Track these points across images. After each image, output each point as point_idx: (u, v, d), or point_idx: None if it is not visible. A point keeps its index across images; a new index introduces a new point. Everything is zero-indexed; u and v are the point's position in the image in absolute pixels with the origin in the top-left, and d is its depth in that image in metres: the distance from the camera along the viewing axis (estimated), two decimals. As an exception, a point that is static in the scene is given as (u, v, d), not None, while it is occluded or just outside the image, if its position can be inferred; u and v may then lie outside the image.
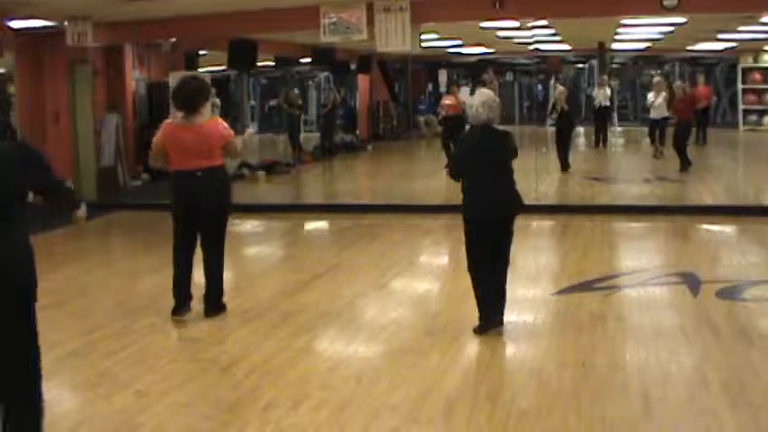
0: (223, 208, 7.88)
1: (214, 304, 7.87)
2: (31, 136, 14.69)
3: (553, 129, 18.79)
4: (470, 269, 7.19)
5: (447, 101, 19.69)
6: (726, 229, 12.34)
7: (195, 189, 7.60)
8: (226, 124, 7.81)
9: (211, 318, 7.73)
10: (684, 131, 17.95)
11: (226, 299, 8.03)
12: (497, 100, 7.23)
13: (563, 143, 18.22)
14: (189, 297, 7.76)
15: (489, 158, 7.12)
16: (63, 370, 6.52)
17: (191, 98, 7.57)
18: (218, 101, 22.57)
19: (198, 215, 7.71)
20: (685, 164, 17.50)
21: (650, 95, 20.44)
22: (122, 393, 5.91)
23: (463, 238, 7.17)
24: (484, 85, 23.57)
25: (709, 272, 9.19)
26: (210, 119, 7.84)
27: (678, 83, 21.21)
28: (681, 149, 17.64)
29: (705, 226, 12.38)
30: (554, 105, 18.76)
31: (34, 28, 14.19)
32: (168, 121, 7.90)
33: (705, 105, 23.22)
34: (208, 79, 16.14)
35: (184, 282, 7.73)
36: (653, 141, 20.61)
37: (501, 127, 7.26)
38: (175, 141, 7.57)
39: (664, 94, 19.84)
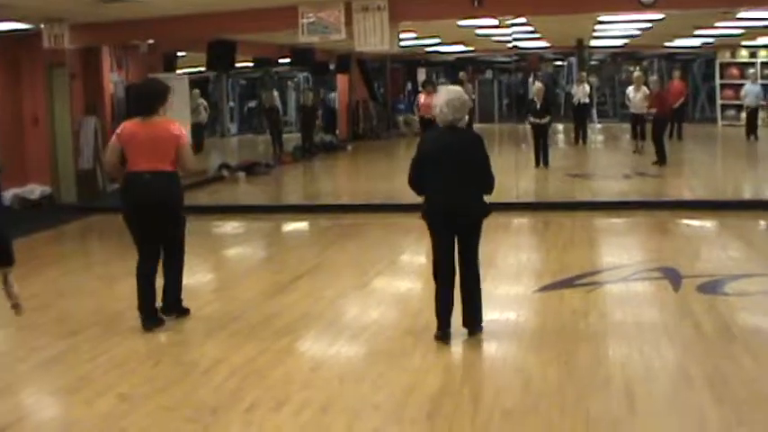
0: (173, 211, 7.60)
1: (170, 306, 7.72)
2: (9, 139, 14.61)
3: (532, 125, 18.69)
4: (434, 273, 6.90)
5: (423, 100, 19.61)
6: (706, 223, 12.40)
7: (142, 191, 7.39)
8: (181, 127, 7.61)
9: (180, 320, 7.68)
10: (660, 125, 18.07)
11: (206, 301, 8.01)
12: (464, 98, 6.81)
13: (543, 140, 18.23)
14: (156, 310, 7.60)
15: (453, 161, 6.69)
16: (44, 375, 6.48)
17: (146, 100, 7.47)
18: (205, 102, 22.56)
19: (147, 218, 7.47)
20: (662, 158, 17.56)
21: (629, 90, 20.57)
22: (104, 397, 5.87)
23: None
24: (461, 83, 23.56)
25: (689, 267, 9.21)
26: (166, 119, 7.55)
27: (653, 78, 21.34)
28: (658, 143, 17.74)
29: (685, 221, 12.41)
30: (532, 102, 18.80)
31: (10, 30, 14.10)
32: (126, 122, 7.75)
33: (681, 102, 23.28)
34: (185, 81, 16.22)
35: (150, 293, 7.52)
36: (634, 136, 20.71)
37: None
38: (131, 139, 7.42)
39: (643, 88, 19.94)
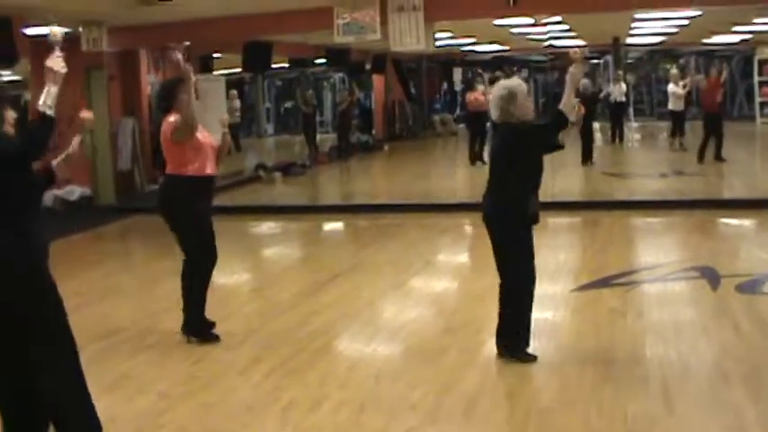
0: (173, 220, 7.04)
1: (186, 323, 7.15)
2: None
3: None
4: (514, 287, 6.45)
5: (471, 97, 20.11)
6: (744, 222, 12.30)
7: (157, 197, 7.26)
8: (172, 119, 6.85)
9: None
10: (711, 121, 17.97)
11: (244, 300, 8.00)
12: (507, 93, 6.14)
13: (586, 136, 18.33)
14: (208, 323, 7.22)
15: (492, 159, 6.51)
16: (85, 372, 6.53)
17: (157, 103, 7.36)
18: (238, 102, 22.69)
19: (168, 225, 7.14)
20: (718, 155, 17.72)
21: (670, 86, 20.55)
22: (143, 395, 5.95)
23: (487, 241, 6.44)
24: (496, 80, 23.70)
25: (728, 266, 9.15)
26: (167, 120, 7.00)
27: (699, 76, 21.22)
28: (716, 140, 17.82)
29: (723, 220, 12.33)
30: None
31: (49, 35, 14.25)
32: None
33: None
34: (222, 82, 16.32)
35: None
36: (674, 134, 20.66)
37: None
38: None
39: (682, 84, 19.95)
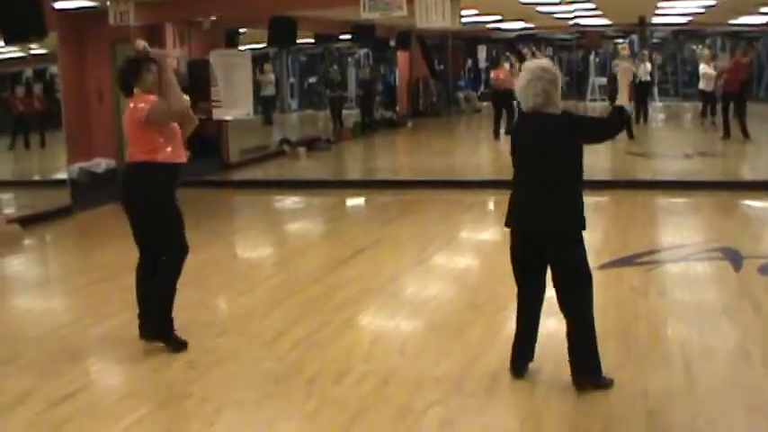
0: (149, 214, 6.38)
1: (155, 327, 6.44)
2: (75, 115, 14.86)
3: (594, 104, 19.18)
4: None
5: (495, 75, 20.64)
6: (768, 204, 12.29)
7: (124, 187, 6.55)
8: (146, 97, 6.24)
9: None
10: (738, 101, 18.37)
11: (269, 274, 8.04)
12: (553, 77, 5.36)
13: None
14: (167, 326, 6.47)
15: (536, 155, 5.38)
16: (113, 343, 6.65)
17: (121, 80, 6.52)
18: (272, 76, 22.77)
19: (131, 219, 6.49)
20: (745, 133, 18.07)
21: (702, 66, 20.75)
22: (170, 365, 6.04)
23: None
24: (523, 59, 23.84)
25: (751, 247, 9.16)
26: (139, 95, 6.32)
27: (721, 62, 21.30)
28: (740, 119, 18.23)
29: (747, 201, 12.31)
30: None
31: (77, 8, 14.32)
32: None
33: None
34: (248, 56, 16.36)
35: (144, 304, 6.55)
36: (704, 113, 20.78)
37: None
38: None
39: (713, 64, 20.15)
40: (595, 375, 5.38)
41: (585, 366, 5.37)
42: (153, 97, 6.22)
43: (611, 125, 5.48)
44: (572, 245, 5.33)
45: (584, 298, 5.41)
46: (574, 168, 5.32)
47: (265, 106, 21.91)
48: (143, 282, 6.51)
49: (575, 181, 5.32)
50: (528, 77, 5.35)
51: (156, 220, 6.36)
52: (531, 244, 5.41)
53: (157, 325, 6.38)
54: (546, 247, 5.35)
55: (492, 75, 21.92)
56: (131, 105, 6.28)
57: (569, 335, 5.41)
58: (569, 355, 5.42)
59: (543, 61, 5.65)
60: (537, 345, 5.68)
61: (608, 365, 5.50)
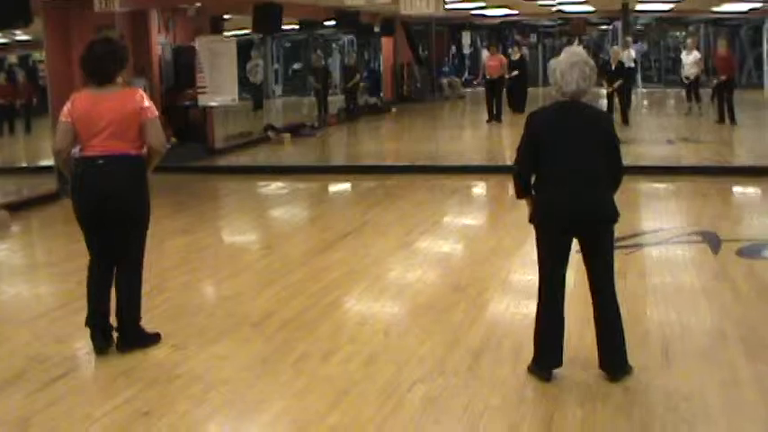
0: (135, 211, 5.98)
1: (128, 336, 6.10)
2: (61, 101, 14.90)
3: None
4: (539, 289, 5.44)
5: (488, 60, 21.25)
6: (748, 189, 12.44)
7: (93, 181, 5.88)
8: (147, 98, 5.97)
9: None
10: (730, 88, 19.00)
11: (256, 257, 8.12)
12: (591, 62, 5.23)
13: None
14: (110, 327, 6.15)
15: (576, 146, 5.18)
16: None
17: (101, 64, 5.92)
18: (261, 62, 22.86)
19: (100, 217, 5.91)
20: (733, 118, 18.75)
21: (684, 54, 21.07)
22: (159, 348, 6.11)
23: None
24: (518, 45, 24.40)
25: (730, 231, 9.31)
26: (129, 89, 6.14)
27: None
28: (729, 105, 18.76)
29: (727, 186, 12.45)
30: (607, 64, 20.00)
31: (62, -6, 14.35)
32: (76, 93, 6.11)
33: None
34: (233, 43, 16.40)
35: (101, 310, 6.12)
36: (689, 99, 21.07)
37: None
38: (85, 115, 5.87)
39: (695, 52, 20.52)
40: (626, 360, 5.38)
41: (624, 352, 5.36)
42: (146, 98, 5.95)
43: (619, 179, 5.40)
44: (612, 231, 5.44)
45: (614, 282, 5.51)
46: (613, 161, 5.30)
47: (255, 92, 22.04)
48: (104, 292, 6.14)
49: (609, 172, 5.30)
50: (572, 60, 5.15)
51: (140, 221, 6.03)
52: (573, 234, 5.36)
53: (132, 333, 6.10)
54: (587, 236, 5.37)
55: (489, 62, 22.14)
56: (130, 94, 5.94)
57: (608, 320, 5.38)
58: (607, 342, 5.35)
59: (579, 49, 5.53)
60: (519, 329, 5.78)
61: (587, 344, 5.62)
